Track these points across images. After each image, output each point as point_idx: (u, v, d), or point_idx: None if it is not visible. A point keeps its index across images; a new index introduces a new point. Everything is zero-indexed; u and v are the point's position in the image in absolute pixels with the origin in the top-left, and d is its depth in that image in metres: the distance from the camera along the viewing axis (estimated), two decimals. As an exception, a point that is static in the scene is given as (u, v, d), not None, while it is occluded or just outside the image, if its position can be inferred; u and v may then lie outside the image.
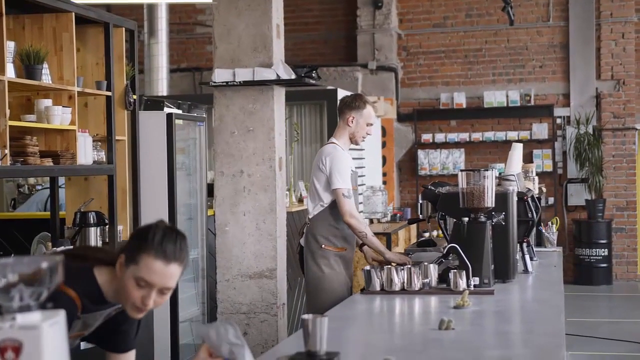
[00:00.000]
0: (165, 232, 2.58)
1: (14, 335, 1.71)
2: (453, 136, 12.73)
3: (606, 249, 12.13)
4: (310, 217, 5.25)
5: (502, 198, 4.52)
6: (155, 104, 6.47)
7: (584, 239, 12.17)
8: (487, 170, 4.40)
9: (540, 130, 12.51)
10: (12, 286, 1.74)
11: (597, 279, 12.11)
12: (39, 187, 8.53)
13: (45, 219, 5.74)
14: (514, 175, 5.17)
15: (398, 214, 11.23)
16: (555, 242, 6.45)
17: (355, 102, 5.26)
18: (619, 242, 12.44)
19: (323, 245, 5.14)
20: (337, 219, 5.11)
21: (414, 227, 11.27)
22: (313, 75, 6.03)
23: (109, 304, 2.69)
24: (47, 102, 4.97)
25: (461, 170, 4.45)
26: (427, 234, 12.17)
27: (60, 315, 1.79)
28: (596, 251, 12.11)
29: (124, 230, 5.78)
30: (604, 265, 12.15)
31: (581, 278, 12.18)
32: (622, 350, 8.18)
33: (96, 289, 2.63)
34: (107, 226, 5.50)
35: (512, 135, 12.46)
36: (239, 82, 5.69)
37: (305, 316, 2.74)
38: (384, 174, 12.30)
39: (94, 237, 5.34)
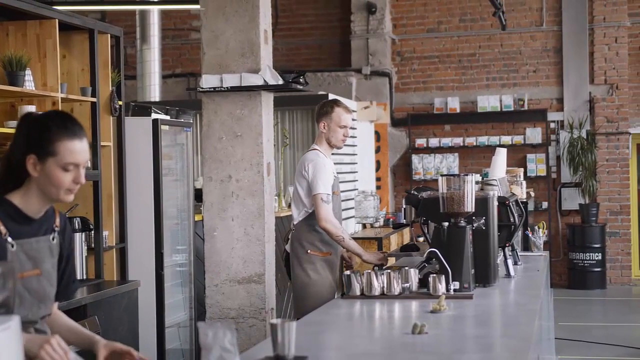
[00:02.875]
0: (60, 116, 2.71)
1: (-36, 340, 1.73)
2: (447, 141, 12.75)
3: (600, 253, 12.14)
4: (294, 222, 5.33)
5: (482, 203, 4.53)
6: (143, 109, 6.48)
7: (578, 243, 12.18)
8: (467, 175, 4.41)
9: (534, 134, 12.52)
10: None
11: (591, 283, 12.11)
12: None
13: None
14: (496, 179, 5.18)
15: (391, 219, 11.24)
16: (542, 246, 6.46)
17: (323, 107, 5.40)
18: (612, 246, 12.45)
19: (309, 251, 5.23)
20: None
21: (407, 231, 11.28)
22: (300, 80, 6.05)
23: (35, 222, 2.72)
24: (31, 108, 4.99)
25: (441, 175, 4.47)
26: (421, 239, 12.18)
27: (14, 321, 1.81)
28: (590, 255, 12.12)
29: (109, 236, 5.79)
30: (598, 269, 12.15)
31: (575, 282, 12.19)
32: (614, 354, 8.19)
33: (15, 209, 2.67)
34: (92, 232, 5.51)
35: (506, 139, 12.47)
36: (227, 87, 5.71)
37: (274, 321, 2.76)
38: (378, 179, 12.32)
39: (79, 242, 5.36)
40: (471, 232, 4.41)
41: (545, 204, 12.45)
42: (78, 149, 2.66)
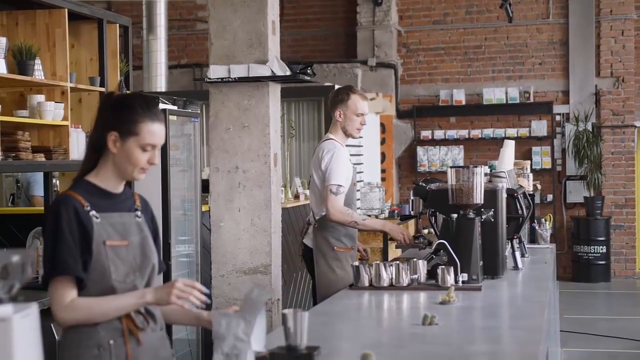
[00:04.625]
0: (144, 98, 2.86)
1: (-16, 328, 1.73)
2: (452, 133, 12.75)
3: (604, 246, 12.14)
4: (317, 217, 5.15)
5: (491, 195, 4.52)
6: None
7: (583, 236, 12.18)
8: (477, 167, 4.41)
9: (540, 127, 12.52)
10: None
11: (595, 276, 12.12)
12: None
13: (41, 214, 5.76)
14: (504, 172, 5.17)
15: (396, 211, 11.24)
16: (549, 239, 6.46)
17: (339, 95, 5.23)
18: (617, 239, 12.45)
19: (335, 247, 5.08)
20: None
21: (412, 223, 11.28)
22: (308, 71, 6.04)
23: (115, 198, 2.85)
24: (40, 97, 4.99)
25: (450, 167, 4.46)
26: (425, 231, 12.19)
27: (32, 309, 1.82)
28: (594, 248, 12.12)
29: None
30: (602, 262, 12.16)
31: (579, 275, 12.19)
32: (618, 347, 8.20)
33: (92, 186, 2.81)
34: (100, 221, 5.51)
35: (511, 132, 12.47)
36: (234, 78, 5.71)
37: (286, 311, 2.76)
38: (383, 171, 12.32)
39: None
40: (480, 224, 4.41)
41: (550, 197, 12.44)
42: (158, 131, 2.79)
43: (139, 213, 2.91)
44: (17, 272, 1.78)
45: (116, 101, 2.84)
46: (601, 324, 9.33)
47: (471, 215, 4.40)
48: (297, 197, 7.96)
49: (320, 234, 5.12)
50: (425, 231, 11.46)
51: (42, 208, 5.73)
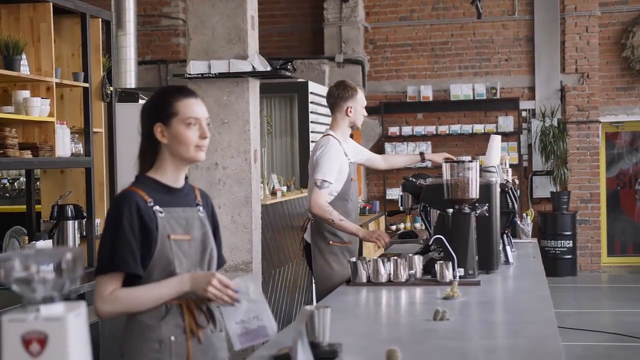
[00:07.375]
0: (173, 86, 2.98)
1: (38, 327, 1.69)
2: (420, 129, 12.79)
3: (571, 241, 12.28)
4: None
5: (485, 189, 4.54)
6: (130, 96, 6.41)
7: (549, 230, 12.31)
8: (472, 161, 4.42)
9: (506, 123, 12.61)
10: (35, 277, 1.72)
11: (562, 270, 12.25)
12: (4, 181, 8.42)
13: (20, 212, 5.65)
14: (494, 166, 5.20)
15: (367, 207, 11.28)
16: (530, 233, 6.50)
17: (348, 91, 5.24)
18: (583, 233, 12.60)
19: (331, 242, 5.09)
20: (342, 212, 5.02)
21: (382, 219, 11.34)
22: (288, 67, 6.02)
23: (177, 192, 2.86)
24: (25, 93, 4.89)
25: (445, 162, 4.46)
26: (393, 227, 12.23)
27: (82, 307, 1.77)
28: (561, 243, 12.25)
29: (101, 224, 5.70)
30: (569, 256, 12.30)
31: (546, 269, 12.03)
32: (590, 340, 8.29)
33: (155, 182, 2.84)
34: (84, 219, 5.43)
35: (479, 128, 12.54)
36: (214, 74, 5.66)
37: (309, 307, 2.74)
38: (351, 167, 12.31)
39: (72, 230, 5.28)
40: (475, 218, 4.41)
41: (517, 192, 12.53)
42: (195, 105, 2.84)
43: (201, 208, 2.92)
44: (70, 270, 1.73)
45: (149, 100, 2.93)
46: (571, 318, 9.43)
47: (467, 210, 4.40)
48: (274, 193, 7.92)
49: (316, 229, 5.11)
50: (400, 226, 11.50)
51: (24, 207, 5.61)
